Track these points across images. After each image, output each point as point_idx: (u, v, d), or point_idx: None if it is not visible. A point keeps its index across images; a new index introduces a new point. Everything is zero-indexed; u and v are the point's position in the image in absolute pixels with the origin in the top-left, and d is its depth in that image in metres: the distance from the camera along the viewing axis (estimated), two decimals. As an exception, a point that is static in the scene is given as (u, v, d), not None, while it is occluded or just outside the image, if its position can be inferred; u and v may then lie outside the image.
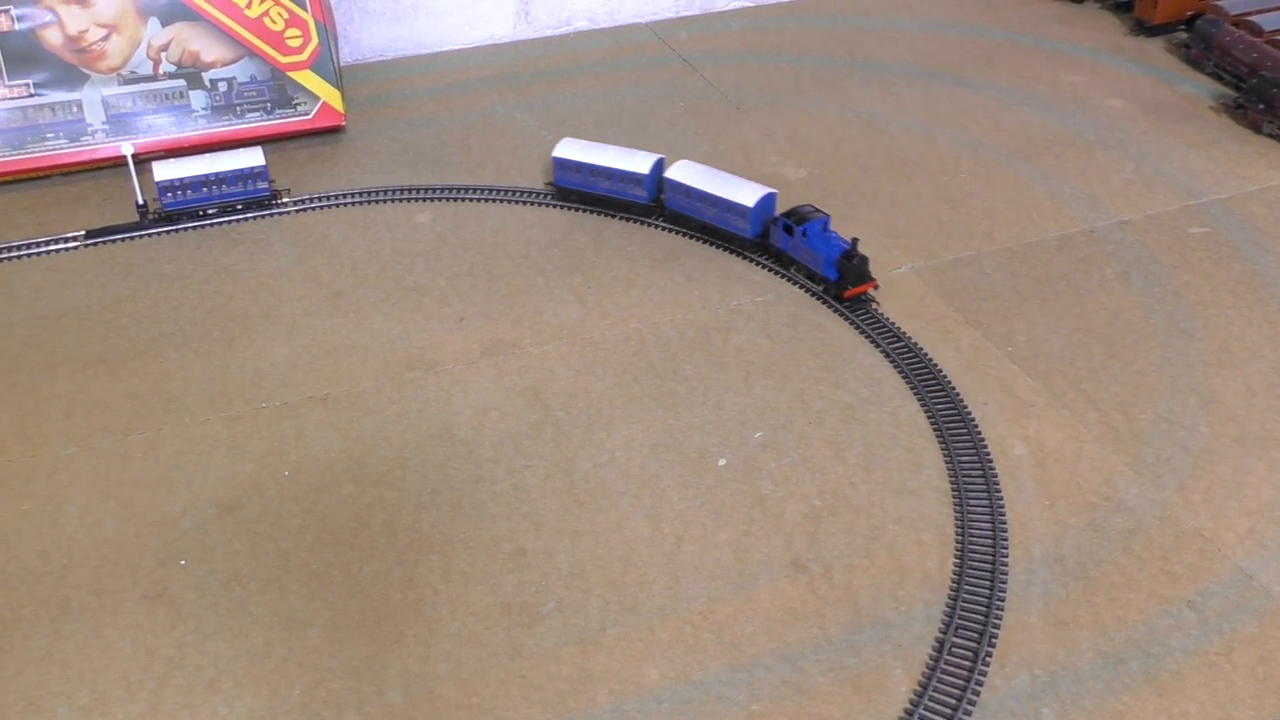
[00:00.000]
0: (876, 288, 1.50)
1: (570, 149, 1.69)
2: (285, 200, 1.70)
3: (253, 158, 1.67)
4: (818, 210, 1.55)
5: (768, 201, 1.59)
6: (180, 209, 1.66)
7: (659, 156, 1.67)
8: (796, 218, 1.53)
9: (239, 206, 1.68)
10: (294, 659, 1.06)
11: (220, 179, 1.65)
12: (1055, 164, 1.83)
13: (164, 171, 1.64)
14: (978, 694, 1.01)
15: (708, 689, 1.03)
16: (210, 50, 1.80)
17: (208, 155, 1.68)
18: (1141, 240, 1.64)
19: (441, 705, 1.02)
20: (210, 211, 1.67)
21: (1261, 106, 1.88)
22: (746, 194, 1.58)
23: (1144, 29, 2.24)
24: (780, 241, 1.56)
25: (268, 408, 1.36)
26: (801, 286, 1.54)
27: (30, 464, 1.28)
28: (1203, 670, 1.04)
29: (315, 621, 1.10)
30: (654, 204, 1.67)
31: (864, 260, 1.48)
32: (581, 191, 1.70)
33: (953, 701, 1.01)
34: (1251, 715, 1.00)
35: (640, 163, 1.65)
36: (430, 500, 1.23)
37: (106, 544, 1.18)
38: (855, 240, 1.49)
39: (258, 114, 1.83)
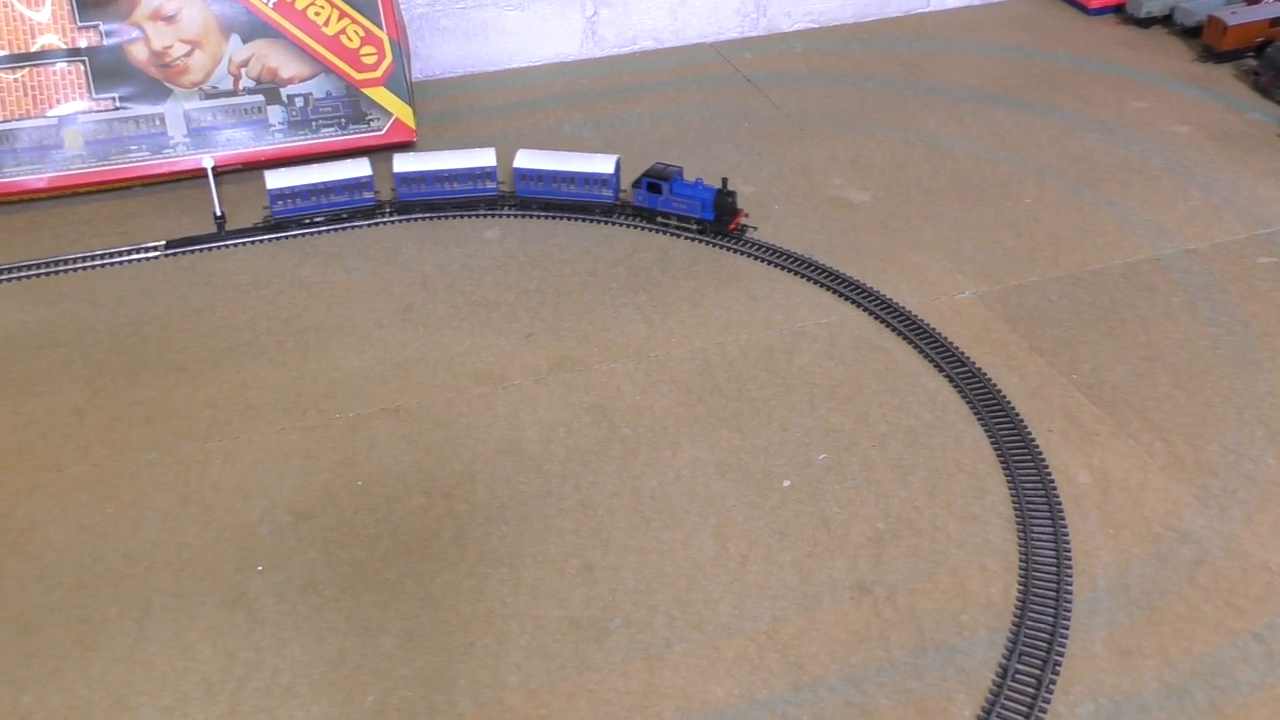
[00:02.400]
0: (747, 216, 1.74)
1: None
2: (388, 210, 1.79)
3: (359, 168, 1.75)
4: (669, 165, 1.74)
5: (618, 167, 1.77)
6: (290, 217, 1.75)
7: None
8: (660, 176, 1.72)
9: (344, 215, 1.76)
10: (368, 666, 1.09)
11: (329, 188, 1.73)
12: (1120, 190, 1.83)
13: (274, 180, 1.72)
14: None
15: (772, 709, 1.04)
16: (288, 67, 1.85)
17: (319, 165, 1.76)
18: (1208, 269, 1.64)
19: (511, 716, 1.04)
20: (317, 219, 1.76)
21: (1332, 136, 1.87)
22: (603, 164, 1.75)
23: (1212, 55, 2.23)
24: (646, 201, 1.74)
25: (341, 418, 1.39)
26: (871, 312, 1.56)
27: (114, 468, 1.33)
28: (1270, 704, 1.04)
29: (389, 630, 1.12)
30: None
31: (735, 195, 1.70)
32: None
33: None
34: (1319, 752, 1.00)
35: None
36: (499, 514, 1.25)
37: (187, 548, 1.22)
38: (725, 180, 1.70)
39: (332, 129, 1.88)
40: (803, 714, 1.04)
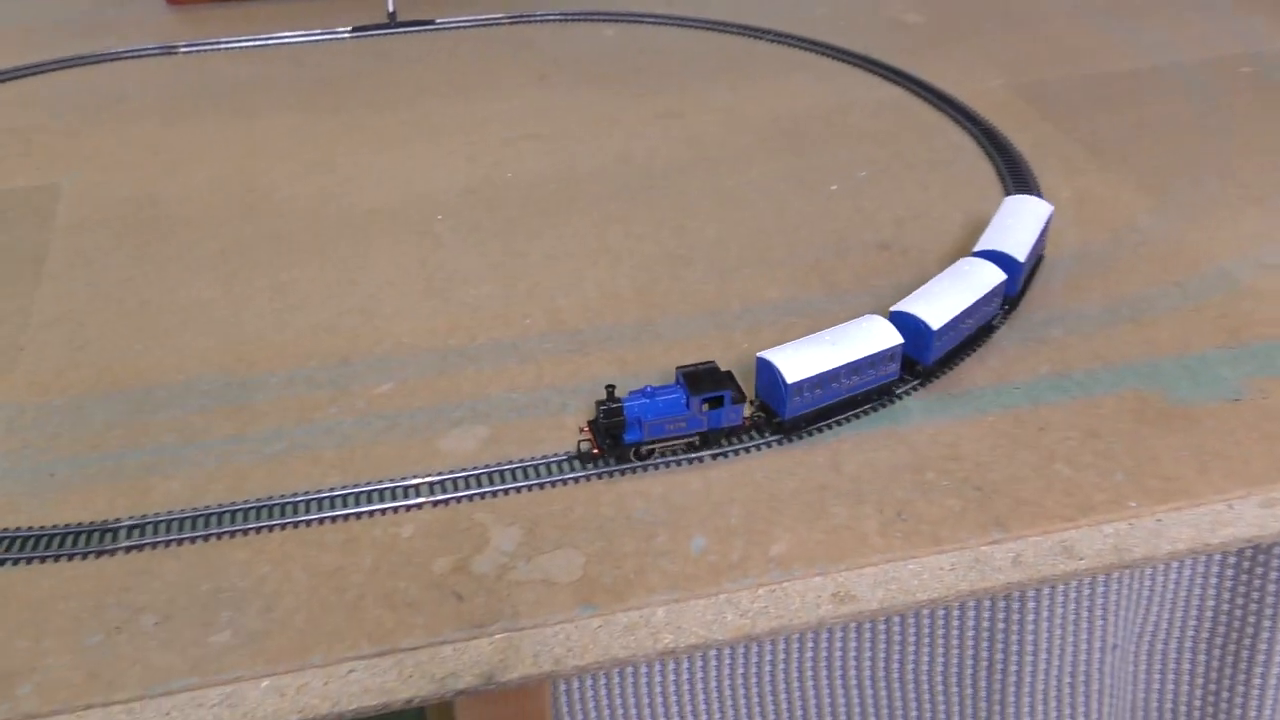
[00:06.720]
0: (600, 456, 1.15)
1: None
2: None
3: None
4: (729, 383, 1.17)
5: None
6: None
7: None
8: (694, 378, 1.17)
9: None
10: (518, 270, 1.51)
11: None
12: (1136, 21, 2.18)
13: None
14: (1007, 318, 1.41)
15: (809, 303, 1.44)
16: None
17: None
18: (1199, 74, 1.99)
19: (621, 303, 1.45)
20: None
21: (1326, -17, 2.19)
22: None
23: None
24: None
25: (496, 138, 1.82)
26: (913, 91, 1.94)
27: (327, 161, 1.77)
28: (1175, 318, 1.41)
29: (534, 252, 1.55)
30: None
31: (613, 415, 1.13)
32: None
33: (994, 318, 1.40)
34: (1207, 343, 1.37)
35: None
36: (615, 195, 1.67)
37: (391, 202, 1.65)
38: (611, 387, 1.15)
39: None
40: (831, 306, 1.44)
